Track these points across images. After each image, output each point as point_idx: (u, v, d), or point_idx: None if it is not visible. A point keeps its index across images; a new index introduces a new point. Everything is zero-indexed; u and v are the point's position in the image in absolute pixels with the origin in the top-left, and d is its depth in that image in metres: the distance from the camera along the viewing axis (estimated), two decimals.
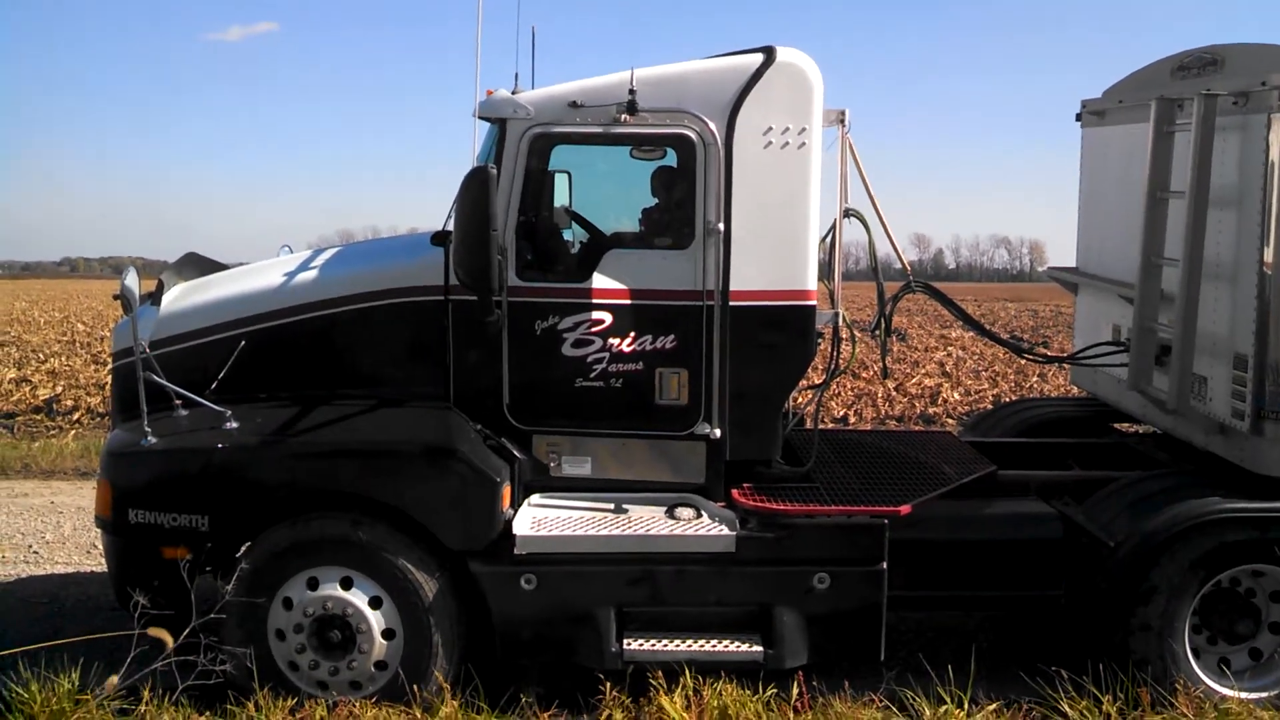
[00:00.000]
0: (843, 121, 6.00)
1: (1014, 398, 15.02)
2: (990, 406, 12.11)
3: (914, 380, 16.80)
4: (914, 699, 5.66)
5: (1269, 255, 5.57)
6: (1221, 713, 5.56)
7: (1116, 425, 7.96)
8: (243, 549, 5.67)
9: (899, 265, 6.90)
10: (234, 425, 5.64)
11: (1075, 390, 8.92)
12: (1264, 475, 5.76)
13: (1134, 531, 5.73)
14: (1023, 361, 17.19)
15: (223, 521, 5.60)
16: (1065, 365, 10.85)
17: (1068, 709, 5.58)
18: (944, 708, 5.59)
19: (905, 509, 5.70)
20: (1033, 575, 6.05)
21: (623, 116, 5.55)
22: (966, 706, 5.62)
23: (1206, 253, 5.87)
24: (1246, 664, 5.99)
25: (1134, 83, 7.42)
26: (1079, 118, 8.05)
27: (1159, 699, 5.63)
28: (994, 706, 5.67)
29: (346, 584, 5.61)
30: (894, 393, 15.71)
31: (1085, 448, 7.31)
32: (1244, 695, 5.78)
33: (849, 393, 15.47)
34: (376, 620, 5.60)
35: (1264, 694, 5.85)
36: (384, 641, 5.62)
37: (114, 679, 5.04)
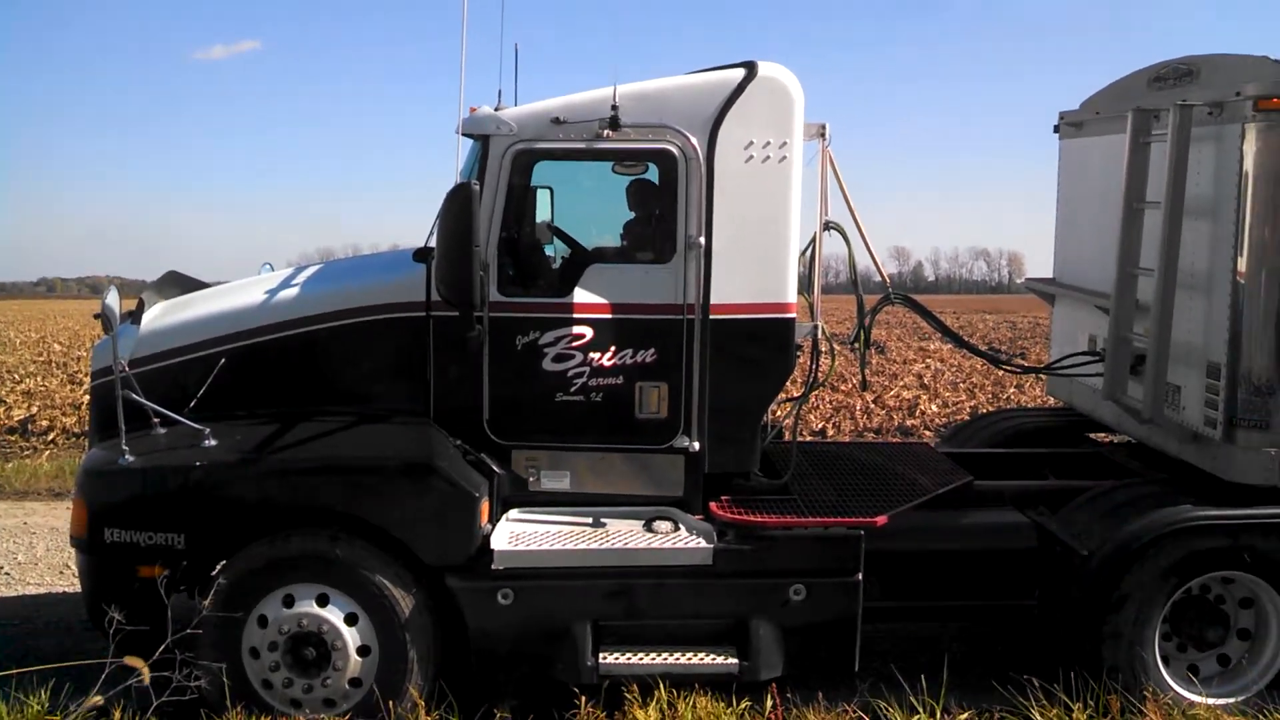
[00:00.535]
0: (823, 135, 6.12)
1: (991, 409, 15.12)
2: (968, 418, 12.21)
3: (892, 392, 16.92)
4: (886, 709, 5.76)
5: (1243, 265, 5.72)
6: (1189, 718, 5.69)
7: (1092, 435, 8.09)
8: (219, 566, 5.66)
9: (879, 278, 6.96)
10: (212, 443, 5.68)
11: (1052, 401, 9.00)
12: (1235, 483, 5.88)
13: (1106, 540, 5.86)
14: (1000, 373, 17.34)
15: (199, 539, 5.63)
16: (1042, 376, 10.95)
17: (1038, 716, 5.70)
18: (916, 717, 5.70)
19: (881, 520, 5.79)
20: (1007, 584, 6.18)
21: (605, 132, 5.64)
22: (939, 715, 5.72)
23: (1181, 262, 6.01)
24: (1215, 670, 6.13)
25: (1111, 94, 7.57)
26: (1057, 129, 8.22)
27: (1128, 706, 5.74)
28: (965, 716, 5.79)
29: (323, 601, 5.64)
30: (872, 405, 15.82)
31: (1061, 457, 7.46)
32: (1211, 701, 5.91)
33: (827, 405, 15.57)
34: (352, 637, 5.62)
35: (1231, 700, 5.98)
36: (359, 658, 5.64)
37: (98, 698, 5.01)
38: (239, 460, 5.65)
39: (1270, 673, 6.01)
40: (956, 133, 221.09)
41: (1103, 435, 8.07)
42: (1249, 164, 5.63)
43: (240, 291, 6.44)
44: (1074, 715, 5.63)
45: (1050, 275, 8.44)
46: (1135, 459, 7.04)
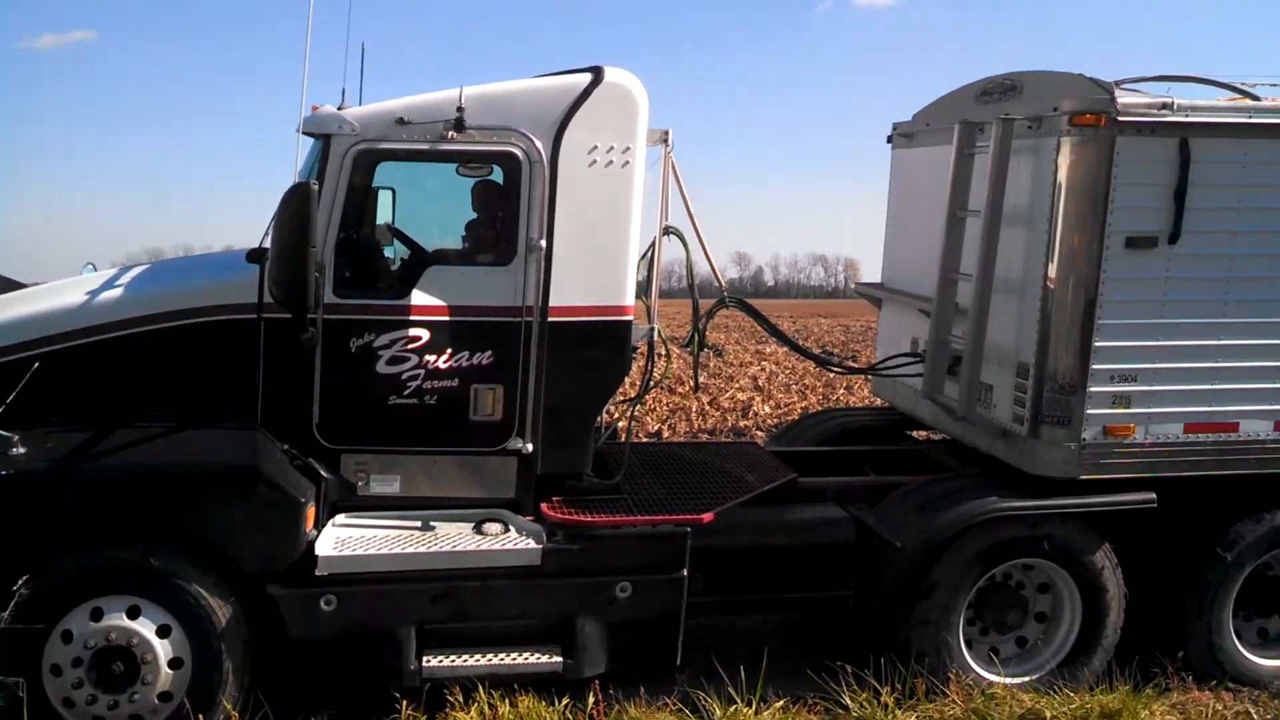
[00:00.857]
0: (666, 141, 6.28)
1: (821, 409, 15.59)
2: (798, 418, 12.58)
3: (727, 394, 17.26)
4: (705, 700, 5.95)
5: (1053, 271, 6.10)
6: (988, 697, 6.08)
7: (912, 433, 8.47)
8: (22, 579, 5.41)
9: (719, 283, 7.14)
10: (20, 451, 5.41)
11: (877, 401, 9.37)
12: (1039, 476, 6.29)
13: (919, 532, 6.19)
14: (831, 374, 17.88)
15: (5, 551, 5.36)
16: (868, 377, 11.37)
17: (849, 701, 6.01)
18: (734, 707, 5.91)
19: (708, 517, 5.97)
20: (827, 576, 6.47)
21: (450, 133, 5.64)
22: (755, 705, 5.94)
23: (998, 269, 6.37)
24: (1014, 652, 6.58)
25: (941, 107, 7.95)
26: (890, 139, 8.54)
27: (932, 688, 6.09)
28: (781, 703, 6.04)
29: (134, 613, 5.46)
30: (707, 407, 16.11)
31: (882, 455, 7.81)
32: (1009, 681, 6.33)
33: (664, 407, 15.78)
34: (163, 649, 5.46)
35: (1028, 678, 6.42)
36: (170, 671, 5.49)
37: None
38: (48, 468, 5.41)
39: (1063, 652, 6.48)
40: (799, 140, 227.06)
41: (923, 433, 8.48)
42: (1062, 176, 6.01)
43: (59, 293, 6.16)
44: (882, 698, 5.95)
45: (879, 280, 8.81)
46: (951, 455, 7.43)
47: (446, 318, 5.82)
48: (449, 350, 5.83)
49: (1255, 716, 6.13)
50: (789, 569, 6.44)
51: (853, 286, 13.10)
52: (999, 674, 6.38)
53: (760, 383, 18.78)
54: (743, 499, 6.26)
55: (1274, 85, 6.56)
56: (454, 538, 5.80)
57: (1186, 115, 5.91)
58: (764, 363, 21.38)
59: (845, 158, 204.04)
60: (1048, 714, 5.91)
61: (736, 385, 18.39)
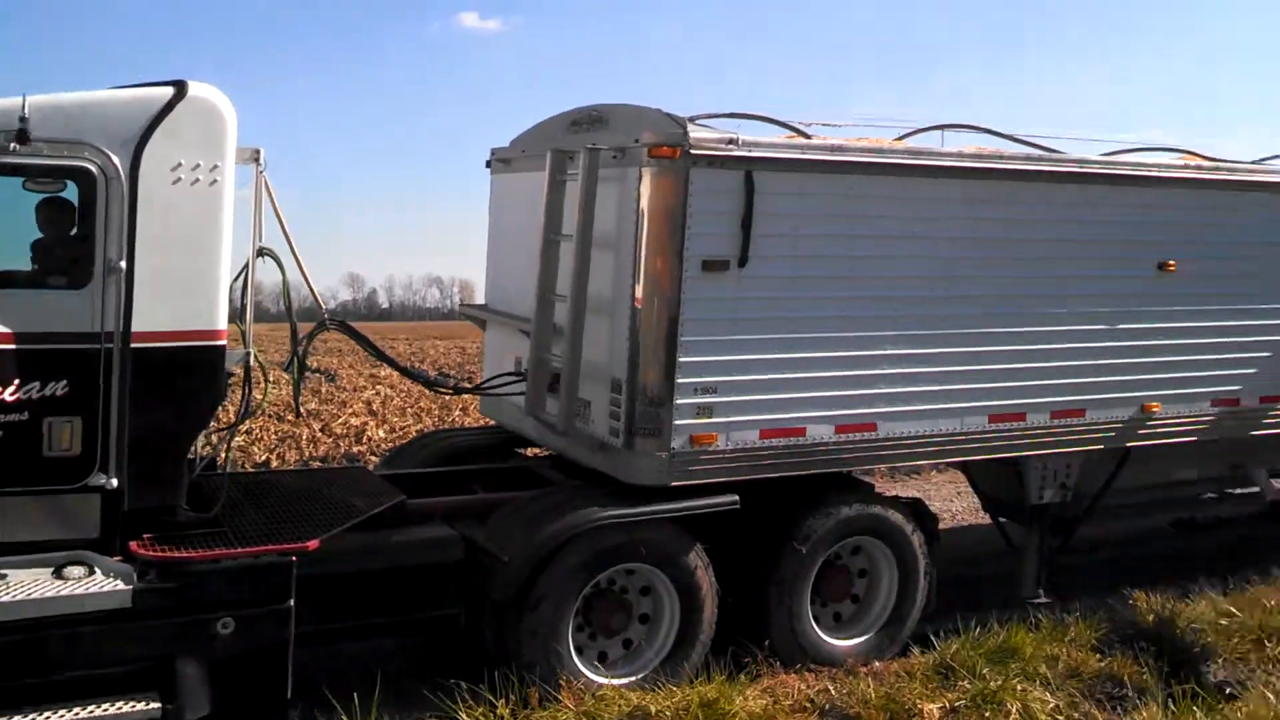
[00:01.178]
0: (258, 160, 6.15)
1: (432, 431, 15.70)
2: (408, 440, 12.61)
3: (340, 420, 16.98)
4: None
5: (639, 292, 6.53)
6: (598, 699, 6.37)
7: (521, 450, 8.76)
8: None
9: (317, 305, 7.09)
10: None
11: (488, 421, 9.64)
12: (635, 484, 6.71)
13: (525, 545, 6.43)
14: (447, 397, 18.05)
15: None
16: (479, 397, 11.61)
17: (465, 717, 6.12)
18: None
19: (313, 544, 5.92)
20: (439, 596, 6.58)
21: (13, 145, 5.23)
22: None
23: (591, 290, 6.71)
24: (621, 654, 6.94)
25: (536, 134, 8.29)
26: (489, 164, 8.79)
27: (546, 695, 6.33)
28: None
29: None
30: (319, 434, 15.78)
31: (491, 473, 8.03)
32: (617, 682, 6.67)
33: (272, 436, 15.29)
34: None
35: (635, 677, 6.79)
36: None
37: None
38: None
39: (665, 650, 6.89)
40: (415, 161, 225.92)
41: (532, 450, 8.81)
42: (644, 203, 6.45)
43: None
44: (499, 711, 6.12)
45: (483, 301, 9.08)
46: (557, 470, 7.74)
47: (12, 346, 5.39)
48: (16, 381, 5.40)
49: (833, 691, 6.77)
50: (401, 591, 6.48)
51: (461, 307, 13.35)
52: (608, 676, 6.70)
53: (374, 407, 18.61)
54: (349, 524, 6.24)
55: (827, 125, 7.47)
56: (29, 585, 5.36)
57: (750, 150, 6.55)
58: (379, 386, 21.18)
59: (459, 179, 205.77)
60: (653, 709, 6.26)
61: (350, 410, 18.12)
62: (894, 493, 8.50)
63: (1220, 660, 7.41)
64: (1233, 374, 8.61)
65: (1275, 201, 8.59)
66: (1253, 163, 8.94)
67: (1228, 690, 6.83)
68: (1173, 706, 6.14)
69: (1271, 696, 6.38)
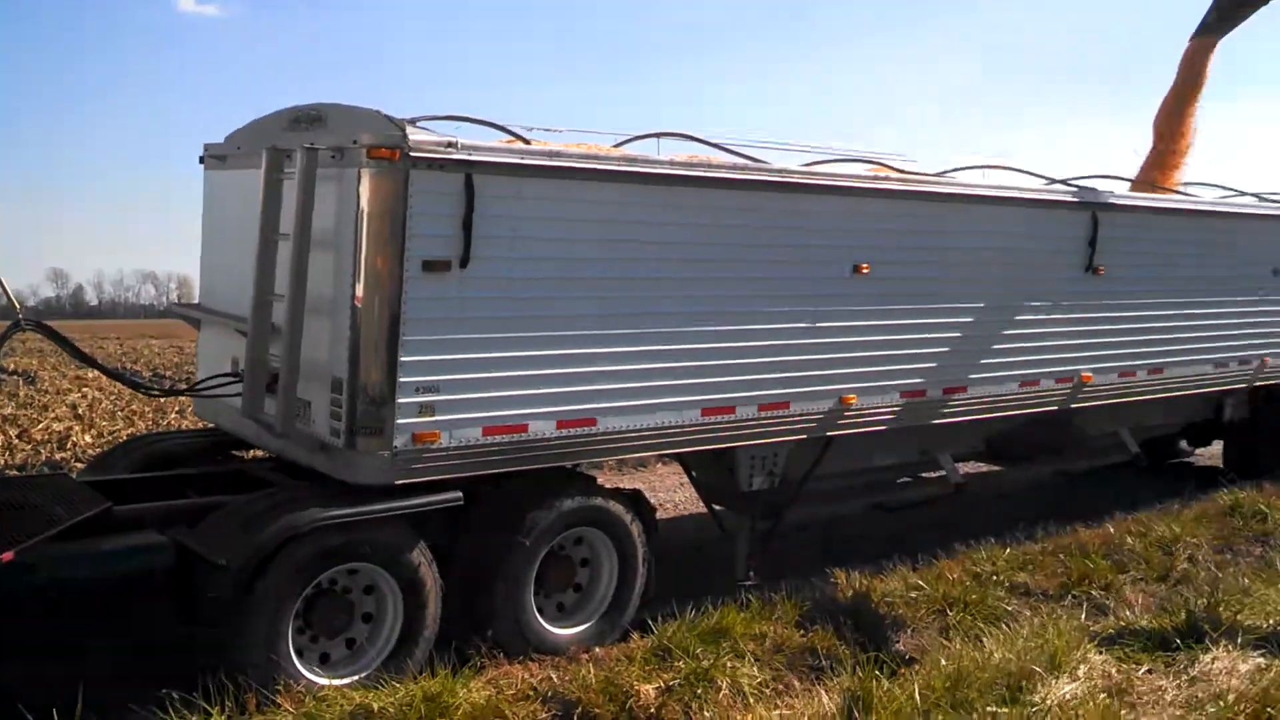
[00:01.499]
0: None
1: (140, 434, 15.06)
2: (114, 446, 12.06)
3: (41, 425, 15.98)
4: None
5: (360, 292, 6.58)
6: (319, 700, 6.36)
7: (238, 453, 8.61)
8: None
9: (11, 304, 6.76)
10: None
11: (204, 423, 9.40)
12: (358, 484, 6.76)
13: (242, 549, 6.35)
14: (164, 399, 17.33)
15: None
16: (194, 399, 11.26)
17: None
18: None
19: (7, 556, 5.68)
20: (148, 605, 6.42)
21: None
22: None
23: (311, 289, 6.72)
24: (344, 654, 6.94)
25: (253, 131, 8.15)
26: (202, 160, 8.59)
27: (263, 700, 6.27)
28: None
29: None
30: (16, 440, 14.82)
31: (205, 476, 7.86)
32: (340, 682, 6.67)
33: None
34: None
35: (358, 676, 6.81)
36: None
37: None
38: None
39: (388, 648, 6.93)
40: (126, 153, 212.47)
41: (252, 452, 8.67)
42: (364, 204, 6.50)
43: None
44: (214, 718, 6.04)
45: (198, 300, 8.85)
46: (278, 472, 7.66)
47: None
48: None
49: (555, 679, 6.99)
50: (108, 601, 6.28)
51: (169, 307, 12.90)
52: (331, 677, 6.68)
53: (81, 411, 17.63)
54: (49, 534, 6.00)
55: (548, 130, 7.73)
56: None
57: (470, 154, 6.73)
58: (85, 389, 20.05)
59: (176, 172, 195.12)
60: (375, 706, 6.29)
61: (52, 415, 17.10)
62: (622, 486, 8.87)
63: (910, 630, 8.20)
64: (919, 368, 9.50)
65: (954, 212, 9.54)
66: (936, 174, 9.87)
67: (908, 657, 7.59)
68: (859, 673, 6.74)
69: (944, 660, 7.11)
